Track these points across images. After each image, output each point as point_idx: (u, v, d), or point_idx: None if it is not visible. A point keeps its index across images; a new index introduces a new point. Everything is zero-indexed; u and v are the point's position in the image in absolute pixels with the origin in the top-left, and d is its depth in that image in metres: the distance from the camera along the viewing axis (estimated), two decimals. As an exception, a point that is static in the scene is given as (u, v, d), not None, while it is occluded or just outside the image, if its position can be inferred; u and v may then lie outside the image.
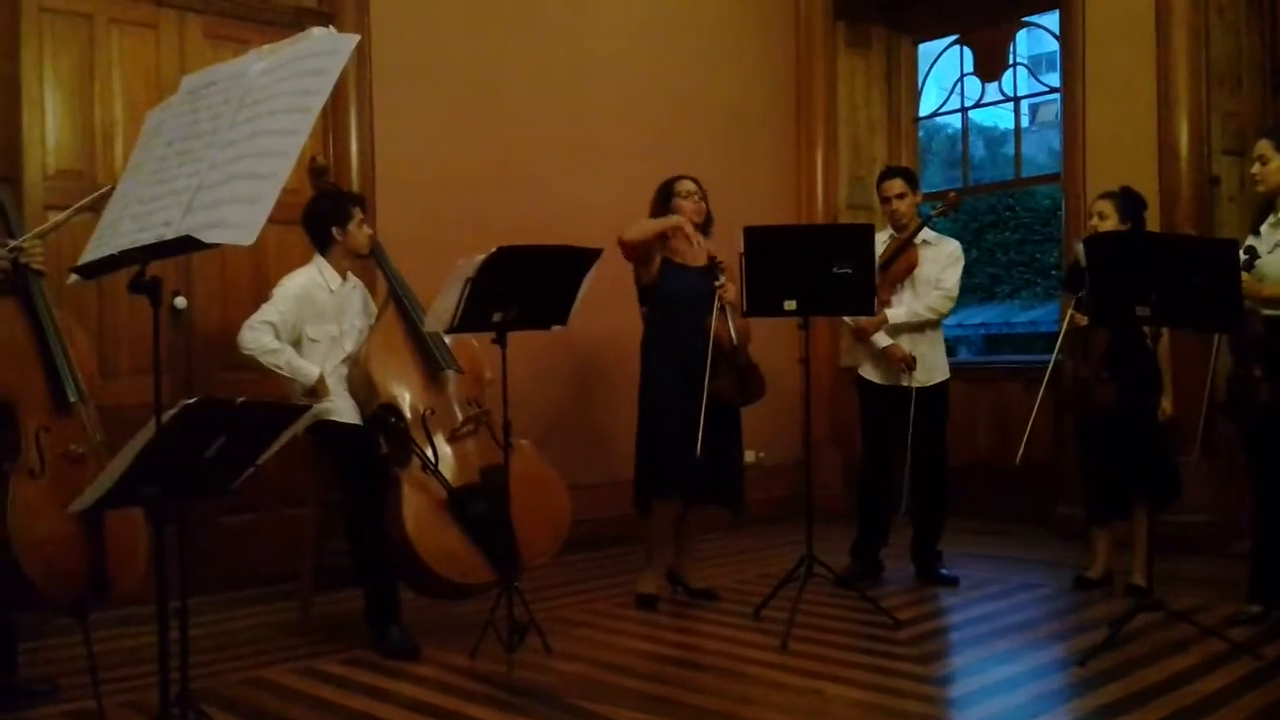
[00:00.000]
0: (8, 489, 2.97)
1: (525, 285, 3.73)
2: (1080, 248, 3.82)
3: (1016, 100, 7.30)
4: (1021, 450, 4.47)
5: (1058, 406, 5.17)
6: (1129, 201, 4.63)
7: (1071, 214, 5.99)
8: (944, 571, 4.95)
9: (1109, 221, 4.59)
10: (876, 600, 4.36)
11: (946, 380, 4.98)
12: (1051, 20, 6.63)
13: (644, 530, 4.67)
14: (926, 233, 4.96)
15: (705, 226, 4.64)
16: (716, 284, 4.44)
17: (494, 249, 3.59)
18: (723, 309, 4.42)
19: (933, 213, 5.03)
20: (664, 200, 4.63)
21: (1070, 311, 4.61)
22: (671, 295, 4.53)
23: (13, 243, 3.22)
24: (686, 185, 4.63)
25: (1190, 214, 5.56)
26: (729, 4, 6.75)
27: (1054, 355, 4.64)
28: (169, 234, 2.23)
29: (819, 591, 4.50)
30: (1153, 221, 5.15)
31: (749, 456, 6.61)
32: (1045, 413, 4.69)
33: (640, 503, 4.57)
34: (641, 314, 4.65)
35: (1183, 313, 3.71)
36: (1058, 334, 4.74)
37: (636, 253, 4.51)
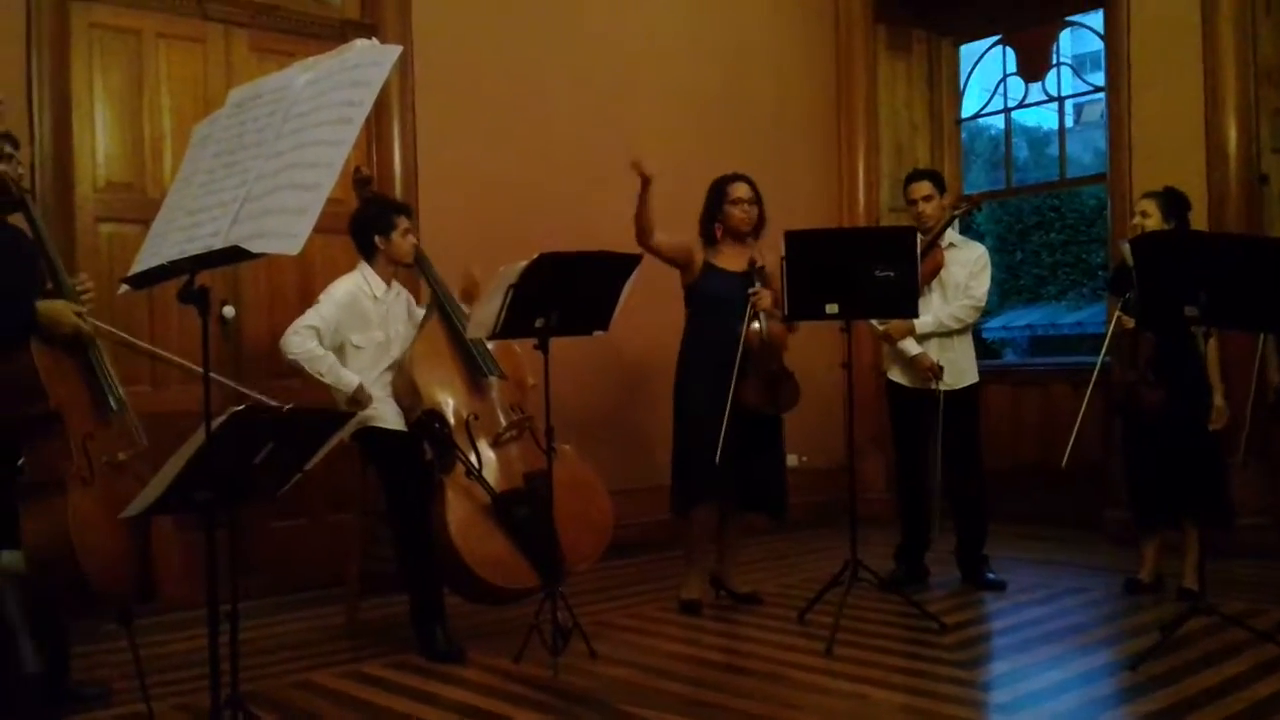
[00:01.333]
0: (59, 497, 3.01)
1: (567, 291, 3.74)
2: (1126, 248, 3.77)
3: (1061, 100, 7.22)
4: (1068, 453, 4.42)
5: (1105, 409, 5.11)
6: (1172, 201, 4.57)
7: (1117, 215, 5.93)
8: (990, 576, 4.90)
9: (1152, 220, 4.54)
10: (922, 605, 4.33)
11: (976, 384, 4.94)
12: (1095, 19, 6.56)
13: (683, 536, 4.67)
14: (953, 235, 4.93)
15: (757, 231, 4.62)
16: (750, 290, 4.42)
17: (536, 255, 3.61)
18: (756, 315, 4.41)
19: (955, 213, 4.98)
20: (716, 202, 4.59)
21: (1117, 314, 4.55)
22: (708, 298, 4.52)
23: (83, 299, 3.27)
24: (740, 190, 4.57)
25: (1239, 213, 5.47)
26: (768, 10, 6.75)
27: (1100, 358, 4.58)
28: (217, 244, 2.26)
29: (864, 596, 4.47)
30: (1200, 221, 5.08)
31: (792, 461, 6.61)
32: (1093, 416, 4.63)
33: (676, 506, 4.57)
34: (686, 315, 4.66)
35: (1232, 313, 3.65)
36: (1104, 335, 4.69)
37: (641, 235, 4.39)
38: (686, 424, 4.51)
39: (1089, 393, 4.47)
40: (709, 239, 4.59)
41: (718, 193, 4.60)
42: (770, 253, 4.56)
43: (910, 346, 4.83)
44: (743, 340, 4.38)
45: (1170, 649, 3.71)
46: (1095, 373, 4.54)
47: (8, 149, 3.29)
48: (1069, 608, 4.51)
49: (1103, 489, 5.81)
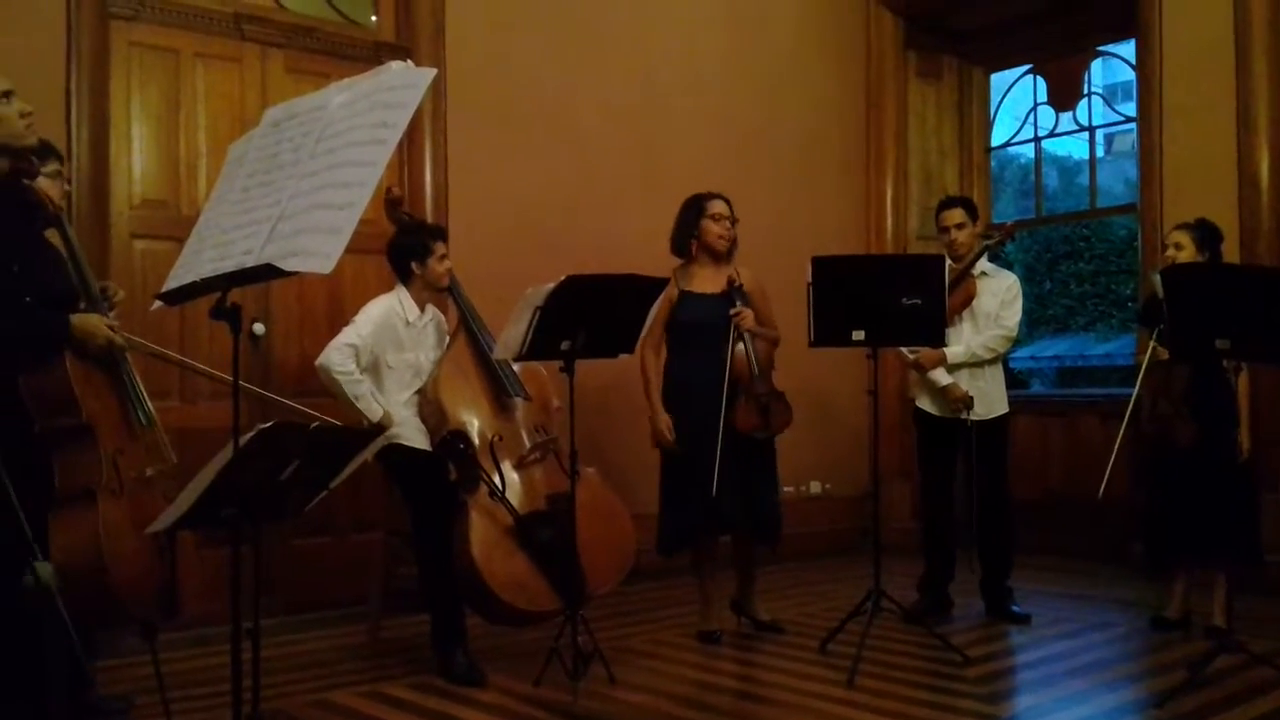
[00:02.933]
0: (89, 509, 3.04)
1: (593, 313, 3.75)
2: (1157, 280, 3.75)
3: (1091, 130, 7.20)
4: (1104, 484, 4.35)
5: (1135, 442, 5.05)
6: (1206, 232, 4.55)
7: (1148, 245, 5.89)
8: (1015, 608, 4.85)
9: (1185, 252, 4.50)
10: (945, 637, 4.29)
11: (1006, 414, 4.91)
12: (1127, 49, 6.55)
13: (694, 568, 4.63)
14: (984, 264, 4.90)
15: (729, 252, 4.55)
16: (733, 311, 4.37)
17: (563, 278, 3.62)
18: (741, 337, 4.36)
19: (989, 243, 4.96)
20: (693, 217, 4.52)
21: (1152, 344, 4.49)
22: (686, 325, 4.43)
23: (114, 301, 3.31)
24: (719, 207, 4.50)
25: (1271, 246, 5.43)
26: (799, 35, 6.77)
27: (1135, 389, 4.52)
28: (250, 262, 2.27)
29: (887, 626, 4.43)
30: (1233, 253, 5.04)
31: (815, 488, 6.60)
32: (1123, 447, 4.57)
33: (662, 544, 4.48)
34: (665, 344, 4.57)
35: (1265, 347, 3.62)
36: (1134, 367, 4.63)
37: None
38: (675, 459, 4.42)
39: (1124, 424, 4.41)
40: (684, 254, 4.54)
41: (695, 208, 4.54)
42: (744, 274, 4.51)
43: (941, 376, 4.80)
44: (729, 363, 4.32)
45: (1197, 687, 3.66)
46: (1131, 404, 4.48)
47: (54, 165, 3.33)
48: (1095, 643, 4.46)
49: (1131, 522, 5.75)
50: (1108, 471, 4.36)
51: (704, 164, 5.99)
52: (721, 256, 4.53)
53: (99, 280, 3.39)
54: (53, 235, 3.36)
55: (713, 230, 4.49)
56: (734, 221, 4.54)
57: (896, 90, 7.06)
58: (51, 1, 4.34)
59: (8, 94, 2.90)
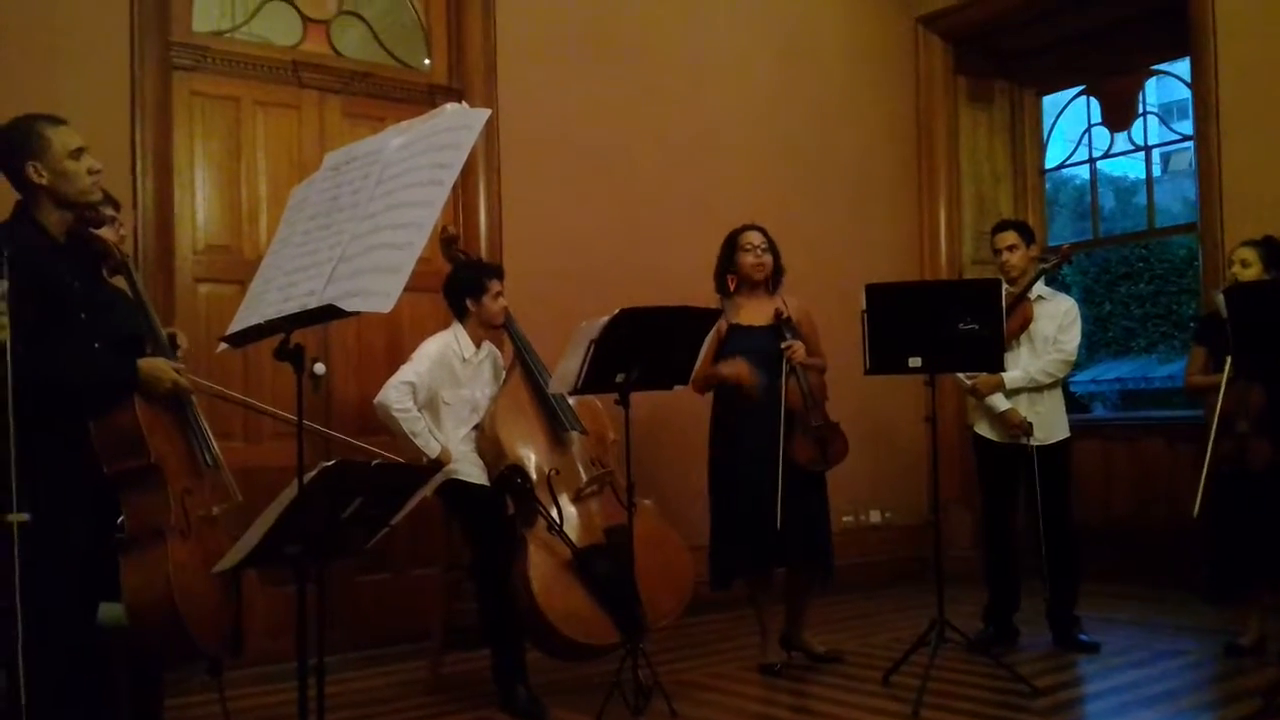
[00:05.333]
0: (158, 548, 3.09)
1: (647, 346, 3.77)
2: (1220, 299, 3.68)
3: (1147, 150, 7.12)
4: (1198, 503, 4.19)
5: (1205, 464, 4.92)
6: (1273, 250, 4.48)
7: (1209, 265, 5.79)
8: (1083, 637, 4.75)
9: (1253, 269, 4.44)
10: (1012, 667, 4.22)
11: (1067, 439, 4.83)
12: (1182, 68, 6.47)
13: (751, 600, 4.60)
14: (1041, 288, 4.84)
15: (773, 282, 4.55)
16: (783, 345, 4.35)
17: (617, 311, 3.64)
18: (793, 370, 4.34)
19: (1045, 266, 4.90)
20: (728, 254, 4.54)
21: (1229, 361, 4.36)
22: (735, 357, 4.41)
23: (179, 360, 3.37)
24: (751, 238, 4.51)
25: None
26: (849, 64, 6.78)
27: (1217, 409, 4.39)
28: (313, 303, 2.32)
29: (951, 657, 4.37)
30: (1294, 271, 4.94)
31: (875, 517, 6.54)
32: (1197, 470, 4.42)
33: (715, 578, 4.45)
34: None
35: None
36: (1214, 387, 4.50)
37: (711, 384, 4.43)
38: (721, 494, 4.42)
39: (1210, 444, 4.29)
40: (723, 290, 4.54)
41: (729, 244, 4.57)
42: (791, 303, 4.50)
43: (999, 402, 4.75)
44: (784, 398, 4.30)
45: (1272, 715, 3.57)
46: (1215, 424, 4.36)
47: (109, 212, 3.42)
48: (1166, 671, 4.36)
49: (1200, 546, 5.61)
50: (1200, 487, 4.20)
51: (756, 195, 6.01)
52: (760, 286, 4.52)
53: (166, 327, 3.47)
54: (119, 281, 3.45)
55: (746, 261, 4.50)
56: (768, 249, 4.52)
57: (947, 115, 7.04)
58: (115, 55, 4.47)
59: (79, 151, 2.99)
